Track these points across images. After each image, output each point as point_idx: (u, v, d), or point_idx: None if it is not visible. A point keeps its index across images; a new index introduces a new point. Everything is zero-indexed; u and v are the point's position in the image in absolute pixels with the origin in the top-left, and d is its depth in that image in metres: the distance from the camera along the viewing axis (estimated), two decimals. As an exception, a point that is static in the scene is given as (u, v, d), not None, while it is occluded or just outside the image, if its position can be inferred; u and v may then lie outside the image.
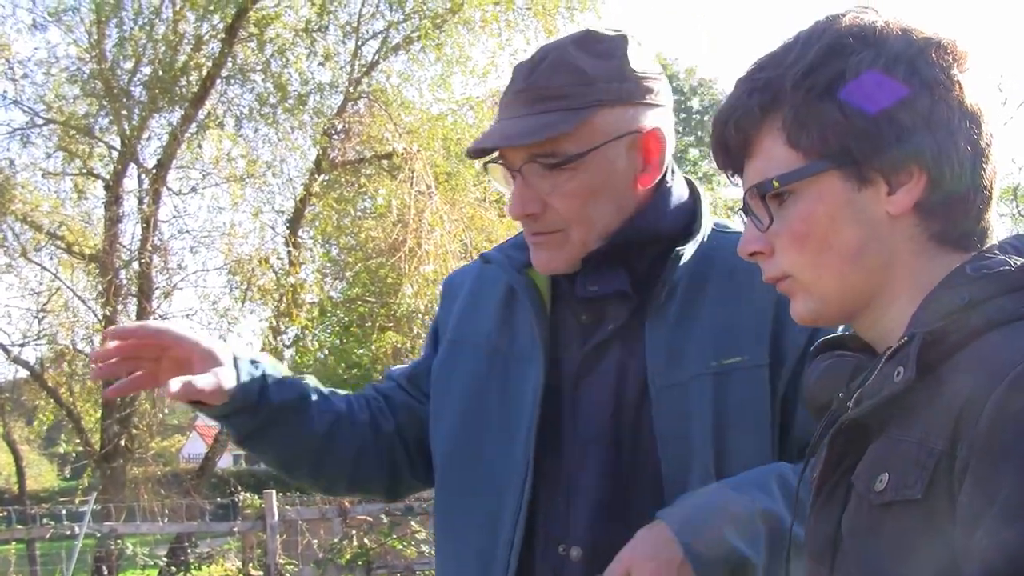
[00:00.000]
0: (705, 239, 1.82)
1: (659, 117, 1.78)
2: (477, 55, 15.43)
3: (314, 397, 1.91)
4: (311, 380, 1.96)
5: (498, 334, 1.89)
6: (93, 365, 1.78)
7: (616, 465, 1.75)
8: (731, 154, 1.26)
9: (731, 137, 1.24)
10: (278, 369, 1.89)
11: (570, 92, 1.70)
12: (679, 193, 1.85)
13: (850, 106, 1.14)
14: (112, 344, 1.77)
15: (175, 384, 1.66)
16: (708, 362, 1.74)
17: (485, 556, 1.80)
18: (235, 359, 1.80)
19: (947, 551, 1.00)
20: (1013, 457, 0.95)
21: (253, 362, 1.83)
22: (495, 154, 1.80)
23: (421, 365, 2.04)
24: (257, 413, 1.82)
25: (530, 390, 1.80)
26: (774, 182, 1.18)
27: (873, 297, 1.19)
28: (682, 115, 37.88)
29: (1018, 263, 1.10)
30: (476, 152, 1.81)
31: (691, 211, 1.84)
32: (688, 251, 1.76)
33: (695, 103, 38.09)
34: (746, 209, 1.25)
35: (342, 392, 2.03)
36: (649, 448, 1.73)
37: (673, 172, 1.85)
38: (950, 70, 1.15)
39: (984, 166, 1.16)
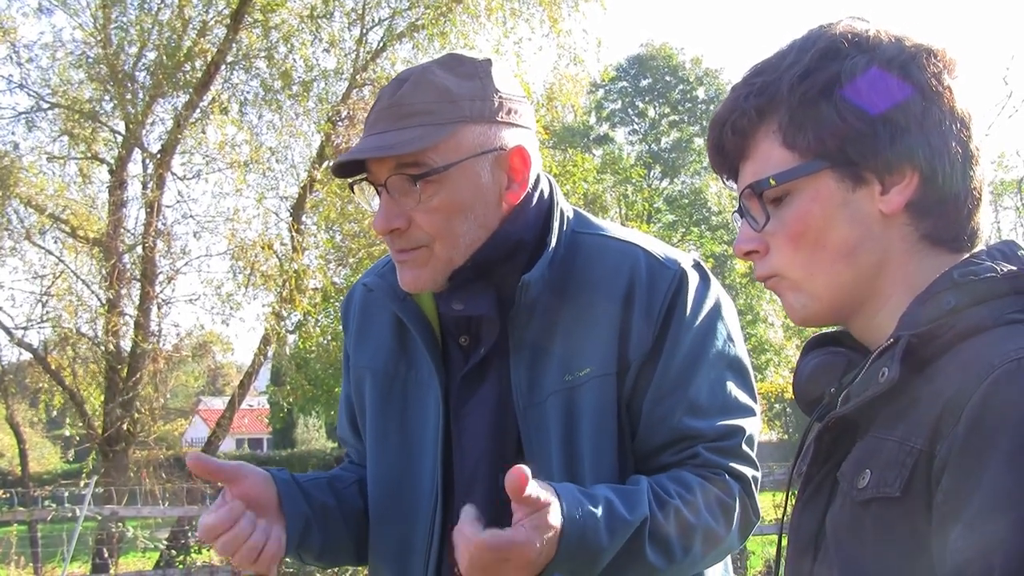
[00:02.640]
0: (563, 245, 1.81)
1: (523, 137, 1.80)
2: (482, 43, 15.43)
3: (337, 484, 1.94)
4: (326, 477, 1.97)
5: (395, 362, 1.90)
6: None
7: (500, 488, 1.73)
8: (727, 157, 1.29)
9: (728, 140, 1.27)
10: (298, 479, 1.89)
11: (434, 108, 1.72)
12: (542, 198, 1.85)
13: (851, 105, 1.17)
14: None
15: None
16: (563, 377, 1.76)
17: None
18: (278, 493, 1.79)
19: (923, 548, 1.03)
20: (989, 461, 0.97)
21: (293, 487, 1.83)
22: (362, 175, 1.80)
23: (351, 412, 2.04)
24: (310, 530, 1.83)
25: (431, 420, 1.83)
26: (771, 180, 1.21)
27: (866, 298, 1.22)
28: (688, 104, 37.85)
29: (1004, 270, 1.13)
30: (341, 168, 1.80)
31: (550, 216, 1.84)
32: (537, 274, 1.75)
33: (700, 93, 38.05)
34: (742, 210, 1.27)
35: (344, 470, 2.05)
36: None
37: (537, 180, 1.85)
38: (941, 75, 1.18)
39: (974, 168, 1.19)
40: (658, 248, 1.85)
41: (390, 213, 1.74)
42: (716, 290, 1.84)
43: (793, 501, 1.28)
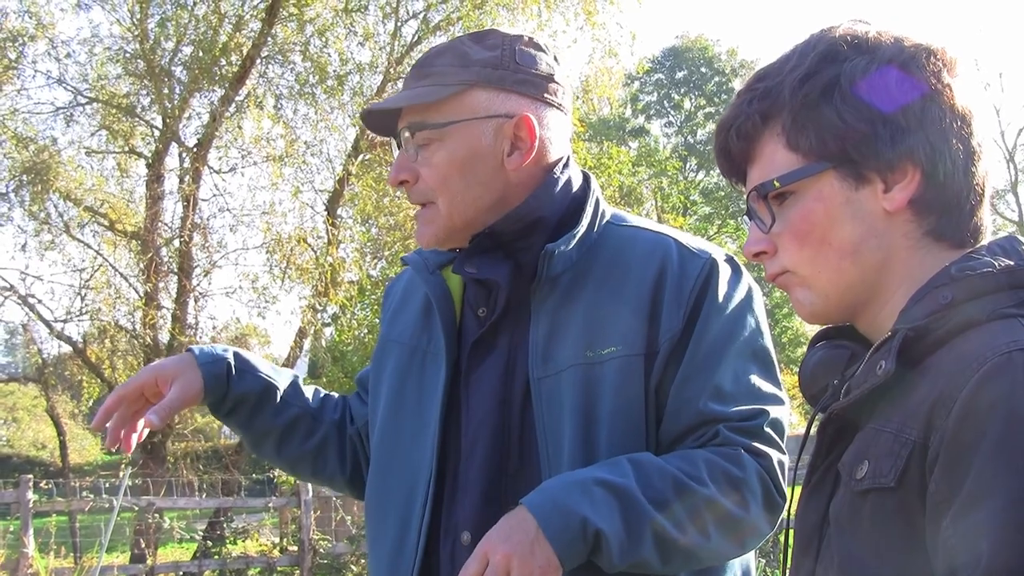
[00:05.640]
0: (595, 232, 1.87)
1: (542, 111, 1.85)
2: (516, 36, 15.39)
3: (280, 393, 2.07)
4: (296, 380, 2.14)
5: (419, 334, 1.98)
6: (102, 435, 1.99)
7: (502, 455, 1.82)
8: (733, 161, 1.31)
9: (733, 144, 1.29)
10: (258, 363, 2.07)
11: (448, 71, 1.82)
12: (570, 184, 1.90)
13: (855, 105, 1.19)
14: (103, 413, 1.95)
15: (153, 418, 1.88)
16: (584, 353, 1.79)
17: (398, 542, 1.89)
18: (200, 363, 1.99)
19: (918, 538, 1.06)
20: (977, 451, 1.00)
21: (215, 359, 2.00)
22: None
23: (368, 369, 2.16)
24: (224, 401, 2.03)
25: (440, 387, 1.89)
26: (775, 182, 1.24)
27: (872, 295, 1.24)
28: (724, 96, 37.68)
29: (1001, 265, 1.15)
30: (372, 126, 1.95)
31: (582, 203, 1.89)
32: (563, 247, 1.81)
33: (736, 84, 37.83)
34: (750, 212, 1.30)
35: (331, 394, 2.20)
36: (532, 438, 1.80)
37: (566, 165, 1.90)
38: (941, 74, 1.20)
39: (976, 165, 1.21)
40: (691, 240, 1.89)
41: (400, 166, 1.86)
42: (747, 282, 1.87)
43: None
